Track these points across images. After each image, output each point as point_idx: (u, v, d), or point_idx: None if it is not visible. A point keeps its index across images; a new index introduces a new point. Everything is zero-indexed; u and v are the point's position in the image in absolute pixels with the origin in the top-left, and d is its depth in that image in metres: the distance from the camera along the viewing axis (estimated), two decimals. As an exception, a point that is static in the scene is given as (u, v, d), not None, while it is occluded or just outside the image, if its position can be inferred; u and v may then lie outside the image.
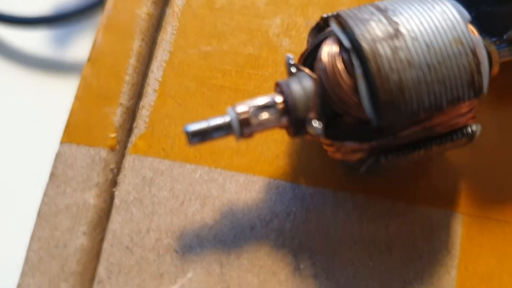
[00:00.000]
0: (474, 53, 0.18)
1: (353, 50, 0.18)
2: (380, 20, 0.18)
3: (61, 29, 0.53)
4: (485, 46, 0.21)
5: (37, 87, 0.52)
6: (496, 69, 0.22)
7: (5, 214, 0.40)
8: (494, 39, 0.23)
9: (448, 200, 0.23)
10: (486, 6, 0.26)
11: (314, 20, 0.25)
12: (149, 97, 0.24)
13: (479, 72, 0.19)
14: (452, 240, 0.22)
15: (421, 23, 0.18)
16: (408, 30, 0.18)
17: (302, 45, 0.23)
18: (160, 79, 0.24)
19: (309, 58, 0.21)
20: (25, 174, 0.41)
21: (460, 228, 0.22)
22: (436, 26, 0.19)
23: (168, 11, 0.26)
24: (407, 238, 0.22)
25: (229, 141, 0.22)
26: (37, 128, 0.49)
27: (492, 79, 0.22)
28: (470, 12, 0.26)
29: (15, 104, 0.51)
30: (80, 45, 0.53)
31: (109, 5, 0.26)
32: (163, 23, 0.26)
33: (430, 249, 0.22)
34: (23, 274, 0.21)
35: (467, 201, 0.23)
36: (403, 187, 0.23)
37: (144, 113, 0.24)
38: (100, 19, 0.52)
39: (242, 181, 0.23)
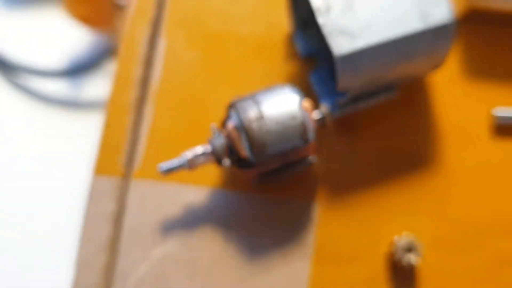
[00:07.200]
0: (302, 123, 0.36)
1: (240, 126, 0.36)
2: (253, 109, 0.36)
3: (75, 78, 0.71)
4: (321, 112, 0.40)
5: (57, 122, 0.70)
6: (330, 124, 0.40)
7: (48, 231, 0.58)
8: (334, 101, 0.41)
9: (310, 194, 0.41)
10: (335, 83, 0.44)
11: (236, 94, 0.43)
12: (139, 156, 0.42)
13: (306, 132, 0.36)
14: (311, 215, 0.40)
15: (274, 108, 0.36)
16: (267, 114, 0.36)
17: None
18: (145, 145, 0.42)
19: (225, 124, 0.38)
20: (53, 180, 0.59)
21: (317, 210, 0.40)
22: (282, 109, 0.36)
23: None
24: (288, 217, 0.40)
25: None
26: (60, 152, 0.67)
27: (329, 129, 0.40)
28: (333, 83, 0.44)
29: (41, 135, 0.69)
30: (89, 90, 0.71)
31: (111, 92, 0.44)
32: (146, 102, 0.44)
33: (300, 222, 0.40)
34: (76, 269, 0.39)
35: (321, 195, 0.41)
36: (287, 189, 0.41)
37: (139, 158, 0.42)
38: (104, 71, 0.71)
39: (204, 193, 0.41)
